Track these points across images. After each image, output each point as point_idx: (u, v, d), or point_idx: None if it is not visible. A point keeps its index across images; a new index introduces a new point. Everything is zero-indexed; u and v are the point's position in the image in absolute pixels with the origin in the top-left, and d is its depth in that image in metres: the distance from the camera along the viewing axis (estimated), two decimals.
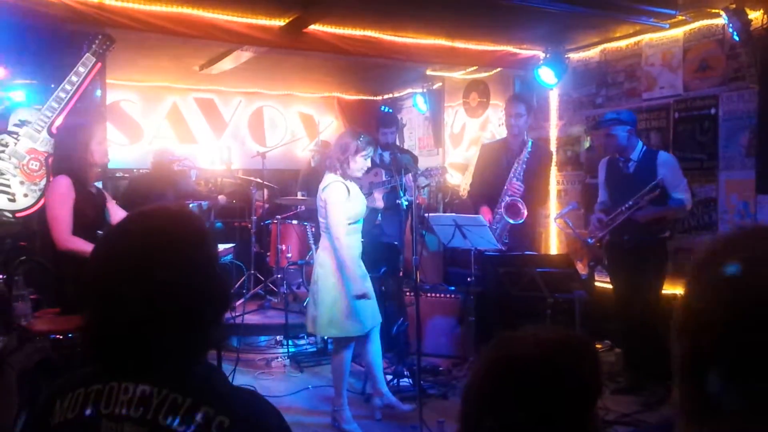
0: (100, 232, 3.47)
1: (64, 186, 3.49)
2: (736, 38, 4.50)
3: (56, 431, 1.17)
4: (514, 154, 4.91)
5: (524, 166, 4.78)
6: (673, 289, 4.52)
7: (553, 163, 5.63)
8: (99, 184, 3.99)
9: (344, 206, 3.93)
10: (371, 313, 4.05)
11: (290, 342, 5.71)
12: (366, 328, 4.02)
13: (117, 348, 1.16)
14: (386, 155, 5.39)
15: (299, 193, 7.21)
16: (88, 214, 3.51)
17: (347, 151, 3.95)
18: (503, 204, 4.78)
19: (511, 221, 4.73)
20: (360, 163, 3.96)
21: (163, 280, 1.15)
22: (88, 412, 1.15)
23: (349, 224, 3.98)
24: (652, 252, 4.43)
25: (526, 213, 4.71)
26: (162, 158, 6.27)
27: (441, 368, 5.13)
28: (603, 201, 4.73)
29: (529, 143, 4.84)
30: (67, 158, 3.57)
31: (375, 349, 4.20)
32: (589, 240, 4.56)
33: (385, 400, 4.28)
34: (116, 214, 3.72)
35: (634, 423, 3.96)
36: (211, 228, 4.12)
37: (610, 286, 4.75)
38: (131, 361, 1.15)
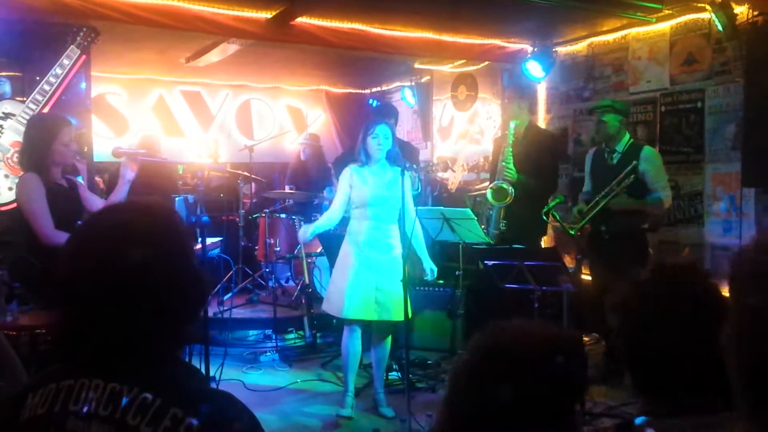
0: (80, 222, 3.43)
1: (33, 183, 3.41)
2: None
3: (25, 427, 1.15)
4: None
5: (510, 147, 4.79)
6: None
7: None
8: (81, 178, 3.95)
9: (344, 190, 4.17)
10: (363, 303, 4.03)
11: (279, 336, 5.70)
12: (344, 314, 4.07)
13: (87, 344, 1.14)
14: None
15: (287, 187, 7.19)
16: (62, 208, 3.46)
17: (361, 138, 4.15)
18: (490, 187, 4.83)
19: (495, 203, 4.77)
20: (373, 144, 4.09)
21: (132, 275, 1.12)
22: (57, 408, 1.13)
23: (354, 208, 4.17)
24: (630, 243, 4.44)
25: (512, 193, 4.71)
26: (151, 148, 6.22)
27: (430, 361, 5.14)
28: (587, 191, 4.76)
29: (511, 125, 4.87)
30: (30, 154, 3.50)
31: (382, 346, 4.23)
32: (570, 231, 4.56)
33: (374, 394, 4.30)
34: (93, 201, 3.68)
35: (620, 415, 3.99)
36: (197, 222, 4.08)
37: (591, 278, 4.78)
38: (102, 357, 1.13)
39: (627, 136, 4.58)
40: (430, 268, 4.25)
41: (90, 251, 1.17)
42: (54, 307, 1.19)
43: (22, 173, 3.55)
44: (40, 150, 3.48)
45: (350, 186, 4.16)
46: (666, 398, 1.33)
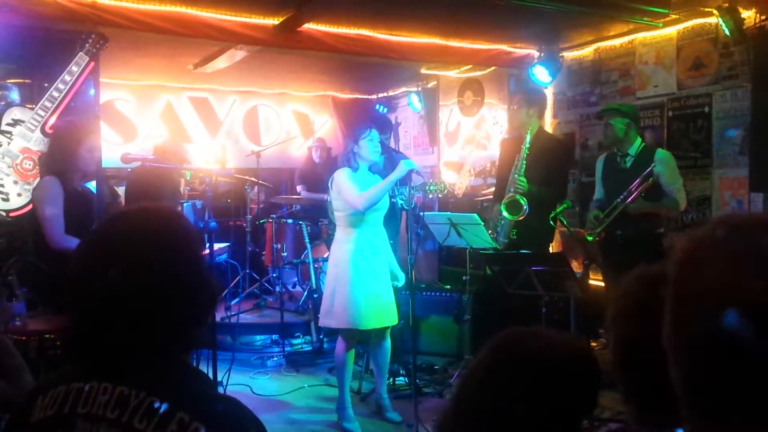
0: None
1: (51, 186, 3.48)
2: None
3: (34, 428, 1.16)
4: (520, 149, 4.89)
5: (524, 160, 4.71)
6: None
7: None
8: (92, 185, 3.99)
9: (354, 182, 4.00)
10: (376, 312, 4.00)
11: (286, 341, 5.71)
12: (363, 325, 3.98)
13: (96, 348, 1.15)
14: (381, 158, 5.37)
15: (298, 187, 7.22)
16: (77, 213, 3.52)
17: (353, 140, 4.09)
18: (504, 200, 4.75)
19: (510, 218, 4.67)
20: (367, 148, 4.03)
21: (143, 279, 1.13)
22: (66, 410, 1.14)
23: (349, 214, 4.02)
24: (647, 248, 4.31)
25: (526, 210, 4.62)
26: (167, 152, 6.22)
27: (437, 367, 5.14)
28: (599, 199, 4.68)
29: (527, 136, 4.74)
30: (55, 158, 3.58)
31: (383, 350, 4.20)
32: (589, 237, 4.51)
33: (379, 399, 4.29)
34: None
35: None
36: (205, 227, 4.10)
37: (603, 284, 4.74)
38: (110, 361, 1.14)
39: (638, 139, 4.51)
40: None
41: (102, 255, 1.18)
42: (64, 310, 1.20)
43: (42, 176, 3.63)
44: (66, 154, 3.58)
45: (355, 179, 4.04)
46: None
